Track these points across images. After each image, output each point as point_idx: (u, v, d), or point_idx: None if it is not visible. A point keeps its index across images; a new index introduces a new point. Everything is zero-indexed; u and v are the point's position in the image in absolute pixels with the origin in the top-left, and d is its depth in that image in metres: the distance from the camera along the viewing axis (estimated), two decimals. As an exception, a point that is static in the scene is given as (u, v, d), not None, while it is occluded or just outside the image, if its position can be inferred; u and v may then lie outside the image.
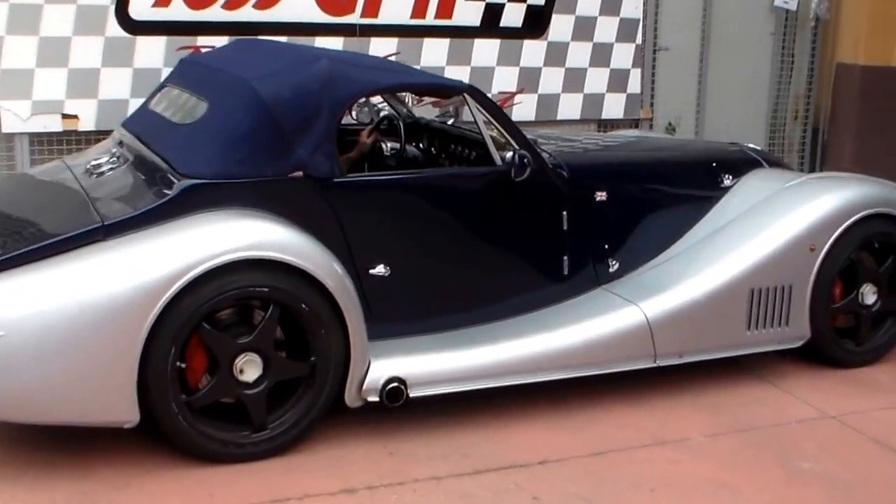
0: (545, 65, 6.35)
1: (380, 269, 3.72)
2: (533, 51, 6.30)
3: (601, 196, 4.21)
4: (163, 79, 5.52)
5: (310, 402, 3.55)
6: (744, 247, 4.21)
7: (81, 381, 3.24)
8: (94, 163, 3.94)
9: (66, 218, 3.55)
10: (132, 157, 3.89)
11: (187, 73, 4.29)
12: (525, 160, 3.86)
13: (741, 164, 4.73)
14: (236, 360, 3.43)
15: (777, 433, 3.84)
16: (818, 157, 7.32)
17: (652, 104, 6.75)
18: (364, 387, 3.59)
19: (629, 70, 6.57)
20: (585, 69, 6.46)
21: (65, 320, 3.20)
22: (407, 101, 4.74)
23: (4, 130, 5.45)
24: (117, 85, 5.56)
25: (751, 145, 5.04)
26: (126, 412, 3.31)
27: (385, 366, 3.63)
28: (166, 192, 3.47)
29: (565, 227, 4.11)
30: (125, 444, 3.53)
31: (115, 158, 3.94)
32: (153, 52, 5.59)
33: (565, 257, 4.14)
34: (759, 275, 4.16)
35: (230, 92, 3.68)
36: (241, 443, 3.48)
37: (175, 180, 3.49)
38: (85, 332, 3.21)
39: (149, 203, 3.45)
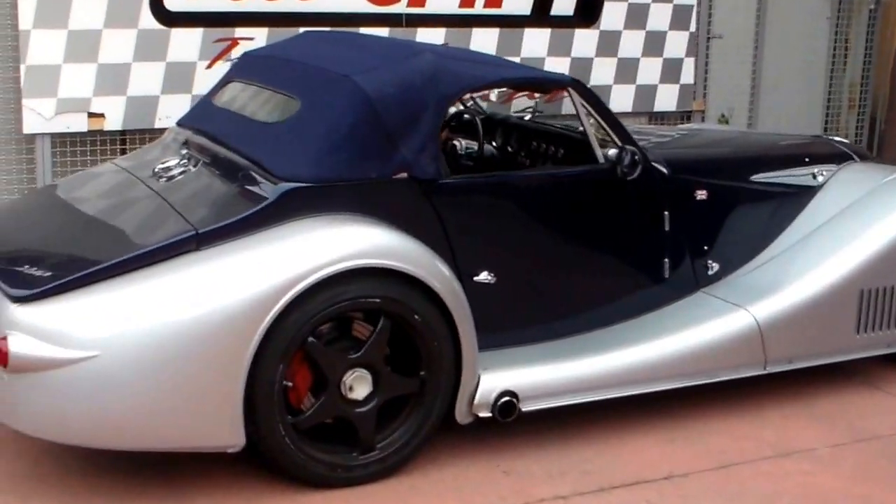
0: (597, 55, 6.34)
1: (484, 276, 3.67)
2: (585, 40, 6.29)
3: (701, 194, 4.20)
4: (198, 74, 5.49)
5: (420, 419, 3.47)
6: (851, 246, 4.20)
7: (183, 404, 3.14)
8: (162, 165, 3.83)
9: (151, 226, 3.46)
10: (207, 159, 3.80)
11: (257, 67, 4.21)
12: (636, 157, 3.84)
13: (833, 157, 4.72)
14: (345, 377, 3.38)
15: (904, 443, 3.86)
16: (875, 146, 7.38)
17: (705, 94, 6.77)
18: (475, 402, 3.55)
19: (682, 59, 6.58)
20: (638, 59, 6.45)
21: (165, 339, 3.11)
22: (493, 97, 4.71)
23: (26, 131, 5.33)
24: (148, 80, 5.46)
25: (837, 138, 5.06)
26: (231, 436, 3.22)
27: (495, 379, 3.57)
28: (263, 196, 3.39)
29: (666, 228, 4.08)
30: (220, 470, 3.45)
31: (185, 160, 3.85)
32: (188, 45, 5.49)
33: (666, 259, 4.11)
34: (868, 275, 4.16)
35: (328, 88, 3.61)
36: (350, 465, 3.40)
37: (271, 184, 3.40)
38: (187, 351, 3.11)
39: (244, 209, 3.36)
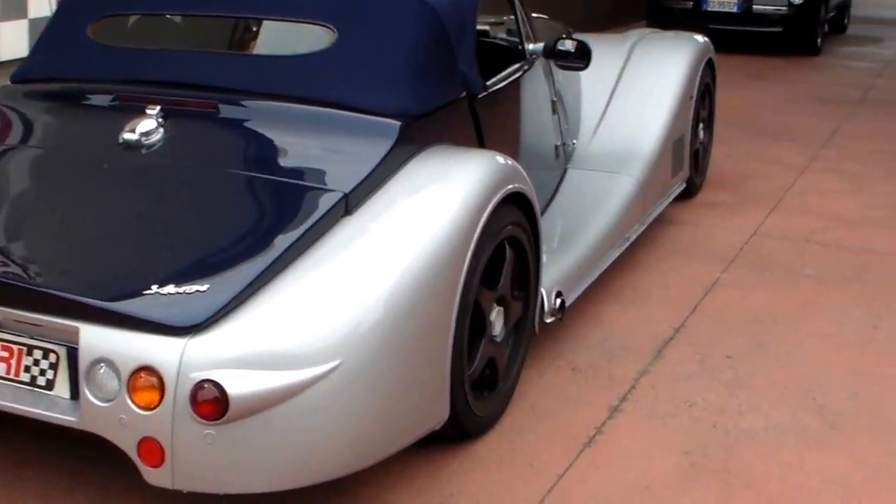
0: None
1: None
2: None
3: (560, 76, 4.53)
4: None
5: (522, 341, 3.51)
6: (656, 105, 4.95)
7: (408, 394, 2.84)
8: (130, 134, 3.06)
9: (261, 202, 2.92)
10: (211, 110, 3.16)
11: None
12: (584, 47, 4.02)
13: (561, 30, 5.30)
14: (490, 316, 3.23)
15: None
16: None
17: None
18: (545, 309, 3.61)
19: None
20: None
21: (389, 320, 2.73)
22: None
23: None
24: None
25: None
26: (440, 411, 2.98)
27: (546, 282, 3.67)
28: (380, 137, 3.04)
29: (553, 112, 4.39)
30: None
31: (161, 118, 3.10)
32: None
33: (556, 143, 4.44)
34: (673, 127, 4.98)
35: (371, 6, 3.21)
36: (494, 407, 3.32)
37: (380, 122, 3.07)
38: (411, 333, 2.80)
39: (370, 155, 3.00)
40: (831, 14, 12.49)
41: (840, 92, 9.39)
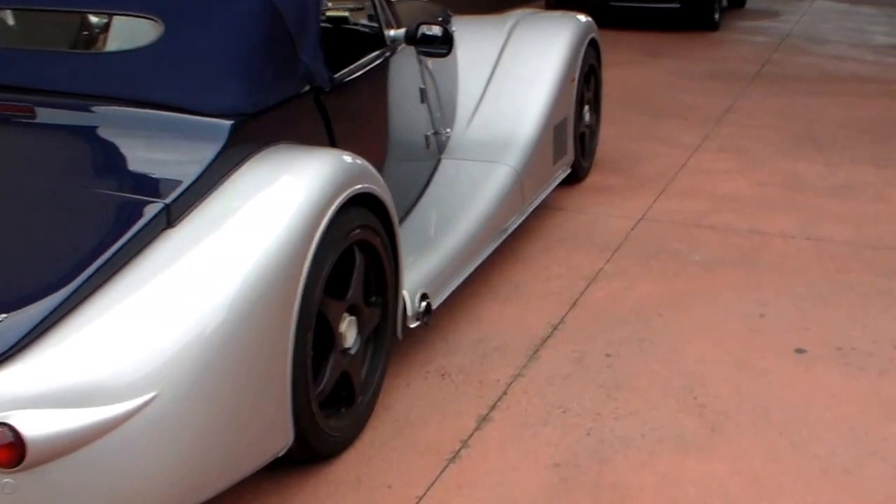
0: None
1: None
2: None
3: (430, 63, 4.31)
4: None
5: (382, 350, 3.28)
6: (534, 89, 4.74)
7: (241, 421, 2.57)
8: None
9: (78, 215, 2.64)
10: (26, 115, 2.84)
11: None
12: (450, 33, 3.79)
13: (438, 14, 5.08)
14: (340, 327, 2.99)
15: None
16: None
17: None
18: (408, 314, 3.39)
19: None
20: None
21: (212, 343, 2.47)
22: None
23: None
24: None
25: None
26: (282, 435, 2.73)
27: (409, 285, 3.45)
28: (208, 140, 2.77)
29: (422, 101, 4.16)
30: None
31: None
32: None
33: (427, 133, 4.21)
34: (554, 111, 4.78)
35: None
36: (351, 424, 3.08)
37: (209, 122, 2.79)
38: (240, 355, 2.53)
39: (197, 160, 2.73)
40: (730, -12, 12.51)
41: (736, 67, 9.32)
